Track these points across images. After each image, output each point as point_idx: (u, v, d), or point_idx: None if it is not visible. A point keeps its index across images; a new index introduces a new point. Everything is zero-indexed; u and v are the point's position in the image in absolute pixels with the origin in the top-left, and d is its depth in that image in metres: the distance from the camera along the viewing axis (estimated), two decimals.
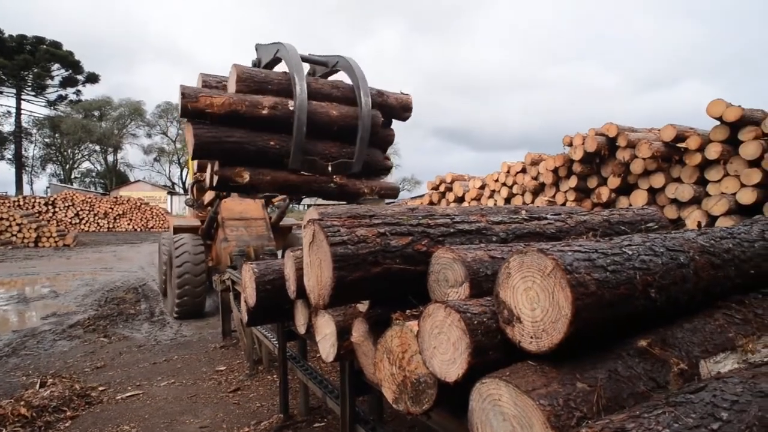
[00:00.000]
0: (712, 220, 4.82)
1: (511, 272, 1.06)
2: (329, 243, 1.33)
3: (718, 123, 4.80)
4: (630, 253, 1.16)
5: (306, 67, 4.12)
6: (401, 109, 4.49)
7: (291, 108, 3.64)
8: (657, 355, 1.10)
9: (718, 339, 1.25)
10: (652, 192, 5.51)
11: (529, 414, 0.86)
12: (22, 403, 3.40)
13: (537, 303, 1.00)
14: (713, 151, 4.79)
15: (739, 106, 4.59)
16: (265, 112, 3.61)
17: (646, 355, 1.10)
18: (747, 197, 4.44)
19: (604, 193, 5.95)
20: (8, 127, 39.90)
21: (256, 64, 4.41)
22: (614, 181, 5.80)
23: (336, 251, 1.32)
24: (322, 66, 4.37)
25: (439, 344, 1.10)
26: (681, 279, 1.24)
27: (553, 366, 0.96)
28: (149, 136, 48.63)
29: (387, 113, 4.35)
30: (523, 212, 2.50)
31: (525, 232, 1.78)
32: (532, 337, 1.00)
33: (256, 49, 4.48)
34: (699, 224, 4.35)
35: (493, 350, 1.06)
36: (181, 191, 42.15)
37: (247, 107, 3.54)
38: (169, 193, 39.67)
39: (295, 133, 3.60)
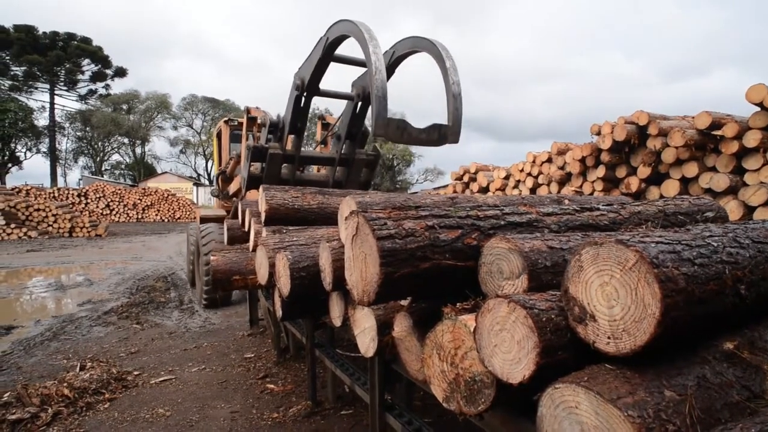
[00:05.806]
0: (749, 210, 4.52)
1: (584, 265, 0.96)
2: (376, 237, 1.25)
3: (758, 109, 4.48)
4: (715, 245, 1.03)
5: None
6: None
7: None
8: (747, 360, 0.98)
9: None
10: (685, 182, 5.22)
11: (614, 426, 0.77)
12: (64, 384, 3.53)
13: (616, 300, 0.90)
14: (752, 139, 4.48)
15: None
16: None
17: (734, 360, 0.99)
18: None
19: (634, 183, 5.67)
20: (43, 121, 41.69)
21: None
22: (644, 171, 5.50)
23: (383, 246, 1.24)
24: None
25: (500, 342, 1.02)
26: None
27: (635, 371, 0.87)
28: (175, 128, 49.96)
29: None
30: (566, 201, 2.36)
31: (577, 224, 1.66)
32: (609, 338, 0.90)
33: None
34: None
35: (562, 350, 0.97)
36: (207, 182, 43.12)
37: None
38: (195, 184, 40.63)
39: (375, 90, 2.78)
